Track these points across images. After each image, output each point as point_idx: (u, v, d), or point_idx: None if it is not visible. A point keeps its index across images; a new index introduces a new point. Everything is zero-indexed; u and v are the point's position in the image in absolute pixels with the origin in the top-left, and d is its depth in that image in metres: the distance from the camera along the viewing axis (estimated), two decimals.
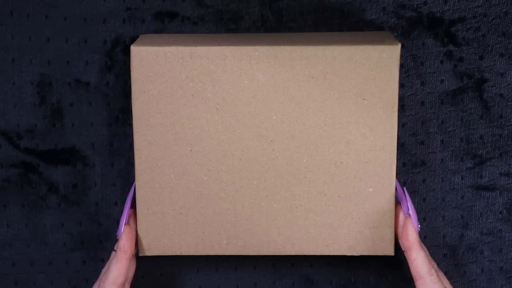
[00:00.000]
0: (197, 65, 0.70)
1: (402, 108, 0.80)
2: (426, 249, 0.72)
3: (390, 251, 0.73)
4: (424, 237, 0.81)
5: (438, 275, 0.71)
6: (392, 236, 0.72)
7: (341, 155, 0.71)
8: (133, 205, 0.74)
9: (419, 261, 0.70)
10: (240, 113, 0.70)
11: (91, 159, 0.81)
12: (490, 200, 0.81)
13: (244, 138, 0.71)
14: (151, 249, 0.73)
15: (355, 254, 0.73)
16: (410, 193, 0.80)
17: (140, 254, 0.73)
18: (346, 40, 0.71)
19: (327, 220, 0.72)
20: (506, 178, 0.81)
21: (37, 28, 0.79)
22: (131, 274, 0.73)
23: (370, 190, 0.71)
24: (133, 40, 0.79)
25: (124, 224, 0.71)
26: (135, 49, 0.70)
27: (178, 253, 0.73)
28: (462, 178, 0.81)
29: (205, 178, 0.72)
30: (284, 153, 0.71)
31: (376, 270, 0.82)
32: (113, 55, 0.79)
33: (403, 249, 0.72)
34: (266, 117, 0.70)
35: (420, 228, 0.72)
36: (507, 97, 0.80)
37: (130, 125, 0.80)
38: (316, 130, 0.70)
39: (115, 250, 0.72)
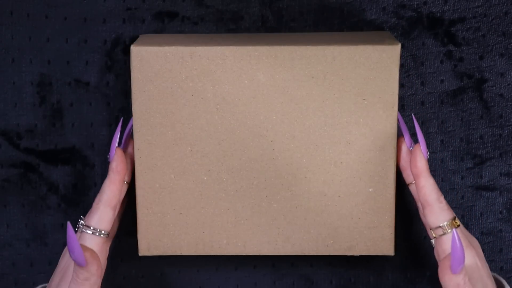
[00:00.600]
0: (197, 65, 0.70)
1: (402, 108, 0.80)
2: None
3: (390, 251, 0.73)
4: (424, 237, 0.81)
5: (447, 203, 0.69)
6: (392, 236, 0.72)
7: (341, 155, 0.71)
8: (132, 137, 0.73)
9: (428, 188, 0.68)
10: (240, 113, 0.70)
11: (91, 159, 0.81)
12: (490, 200, 0.81)
13: (244, 138, 0.71)
14: (151, 249, 0.73)
15: (355, 254, 0.73)
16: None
17: (140, 254, 0.73)
18: (346, 40, 0.71)
19: (327, 220, 0.72)
20: (506, 178, 0.81)
21: (37, 28, 0.79)
22: (122, 200, 0.72)
23: (370, 190, 0.71)
24: (133, 40, 0.79)
25: (116, 147, 0.71)
26: (135, 49, 0.70)
27: (178, 253, 0.73)
28: (462, 178, 0.81)
29: (205, 178, 0.72)
30: (284, 153, 0.71)
31: (376, 270, 0.82)
32: (113, 55, 0.79)
33: (408, 182, 0.71)
34: (266, 117, 0.70)
35: (428, 155, 0.69)
36: (507, 97, 0.80)
37: None
38: (316, 130, 0.70)
39: None
